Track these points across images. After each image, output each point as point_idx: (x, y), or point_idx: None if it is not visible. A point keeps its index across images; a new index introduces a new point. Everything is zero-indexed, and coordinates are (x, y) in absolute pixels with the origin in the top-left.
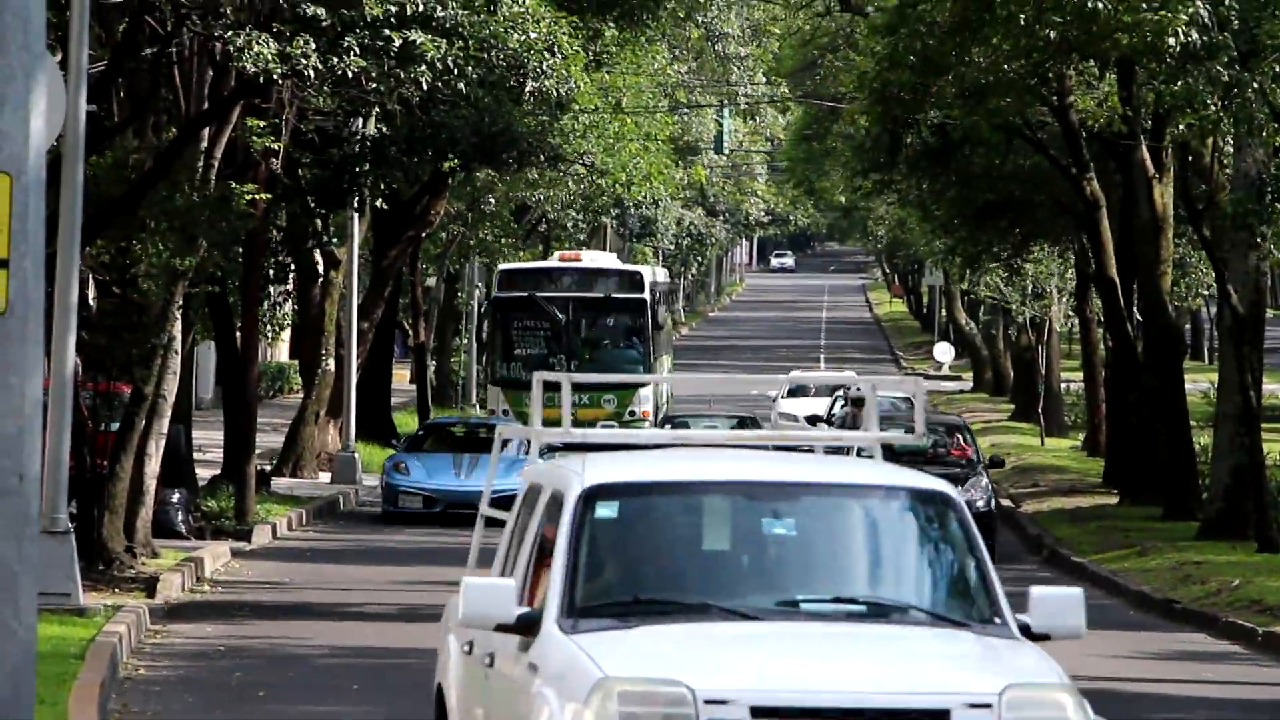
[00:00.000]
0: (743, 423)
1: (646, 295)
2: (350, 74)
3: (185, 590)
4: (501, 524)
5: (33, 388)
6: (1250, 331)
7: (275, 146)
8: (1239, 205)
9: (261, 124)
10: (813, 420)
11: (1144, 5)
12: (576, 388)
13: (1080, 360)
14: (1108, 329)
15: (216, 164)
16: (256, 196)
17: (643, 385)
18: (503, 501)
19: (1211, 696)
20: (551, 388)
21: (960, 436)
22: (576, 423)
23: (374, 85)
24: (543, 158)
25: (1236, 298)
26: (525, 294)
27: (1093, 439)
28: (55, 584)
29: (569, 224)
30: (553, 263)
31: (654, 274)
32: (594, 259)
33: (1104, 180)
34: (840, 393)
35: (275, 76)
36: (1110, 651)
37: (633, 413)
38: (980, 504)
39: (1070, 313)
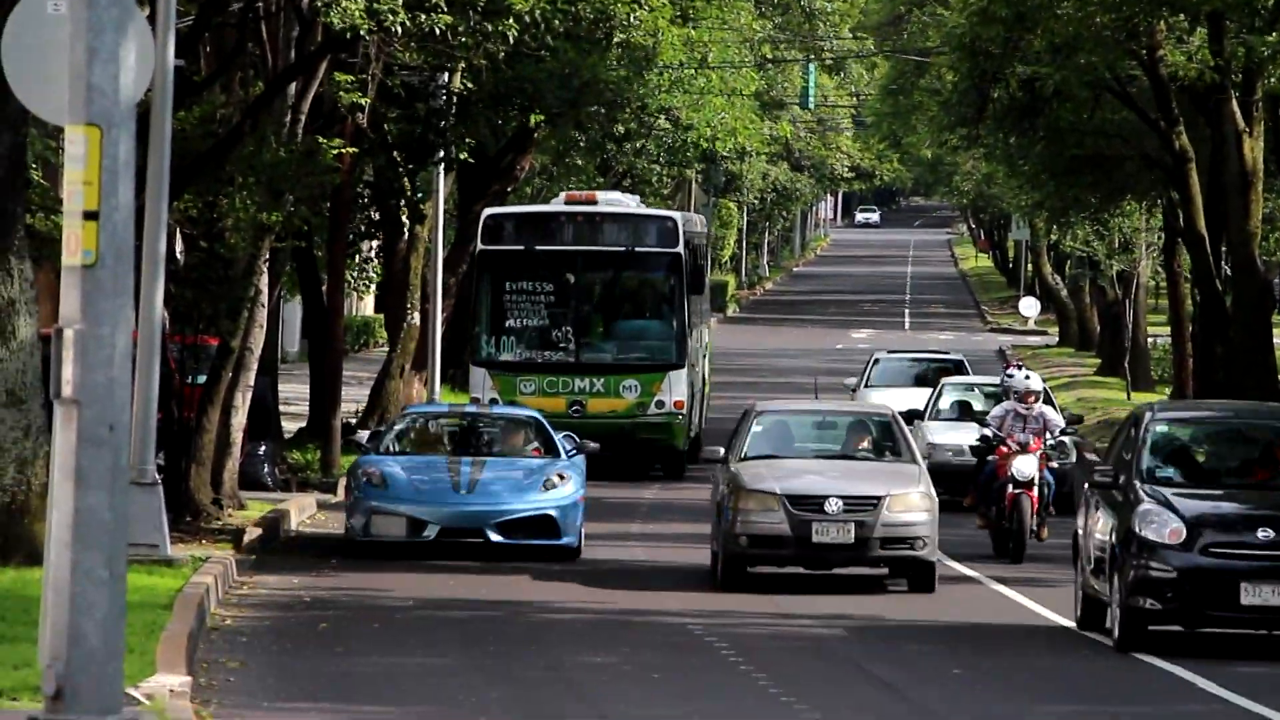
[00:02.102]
0: (866, 428)
1: (681, 248)
2: (437, 31)
3: (271, 542)
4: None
5: (122, 339)
6: None
7: (361, 101)
8: None
9: (348, 79)
10: (910, 418)
11: None
12: (587, 371)
13: (1168, 315)
14: (1195, 283)
15: (303, 119)
16: (343, 151)
17: (674, 368)
18: (521, 525)
19: None
20: (552, 370)
21: None
22: (582, 415)
23: (461, 40)
24: (628, 112)
25: None
26: (520, 248)
27: (1179, 393)
28: (144, 535)
29: (653, 178)
30: (557, 206)
31: (689, 221)
32: (612, 201)
33: (1193, 135)
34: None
35: (362, 32)
36: None
37: (661, 404)
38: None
39: (1158, 267)
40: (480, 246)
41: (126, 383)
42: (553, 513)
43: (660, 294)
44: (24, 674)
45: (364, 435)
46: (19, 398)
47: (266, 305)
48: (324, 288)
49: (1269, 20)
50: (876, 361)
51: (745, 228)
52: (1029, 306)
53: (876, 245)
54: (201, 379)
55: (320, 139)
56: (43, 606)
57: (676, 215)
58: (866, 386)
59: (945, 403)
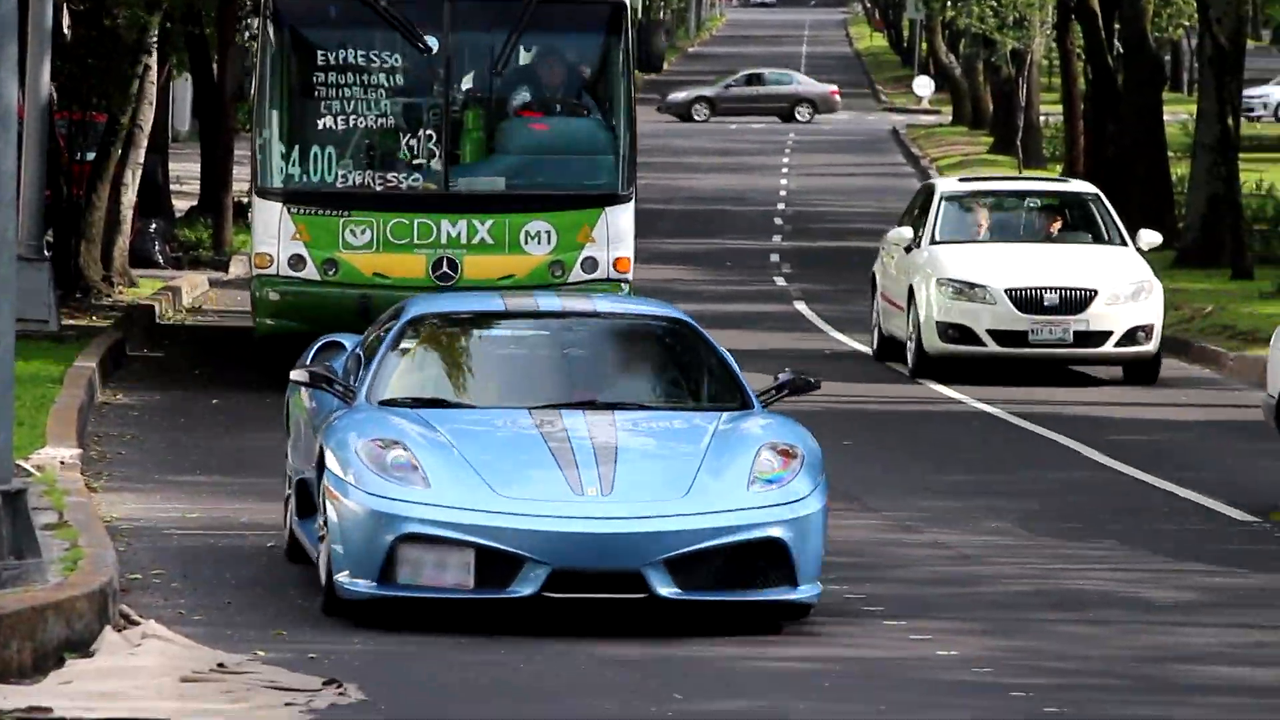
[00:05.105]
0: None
1: None
2: None
3: (165, 317)
4: None
5: (6, 111)
6: (1231, 62)
7: None
8: None
9: None
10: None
11: None
12: (463, 206)
13: (1060, 92)
14: (1088, 60)
15: None
16: None
17: (614, 201)
18: (717, 561)
19: (1175, 419)
20: (401, 205)
21: None
22: (454, 284)
23: None
24: None
25: (1218, 28)
26: None
27: (1071, 170)
28: (32, 311)
29: None
30: None
31: None
32: None
33: None
34: None
35: None
36: (1082, 377)
37: (592, 263)
38: None
39: (1051, 45)
40: None
41: (12, 156)
42: (780, 534)
43: (589, 72)
44: None
45: (309, 354)
46: None
47: (156, 82)
48: (214, 65)
49: None
50: (942, 200)
51: (639, 8)
52: (923, 85)
53: (772, 25)
54: (91, 156)
55: None
56: None
57: None
58: (935, 243)
59: None
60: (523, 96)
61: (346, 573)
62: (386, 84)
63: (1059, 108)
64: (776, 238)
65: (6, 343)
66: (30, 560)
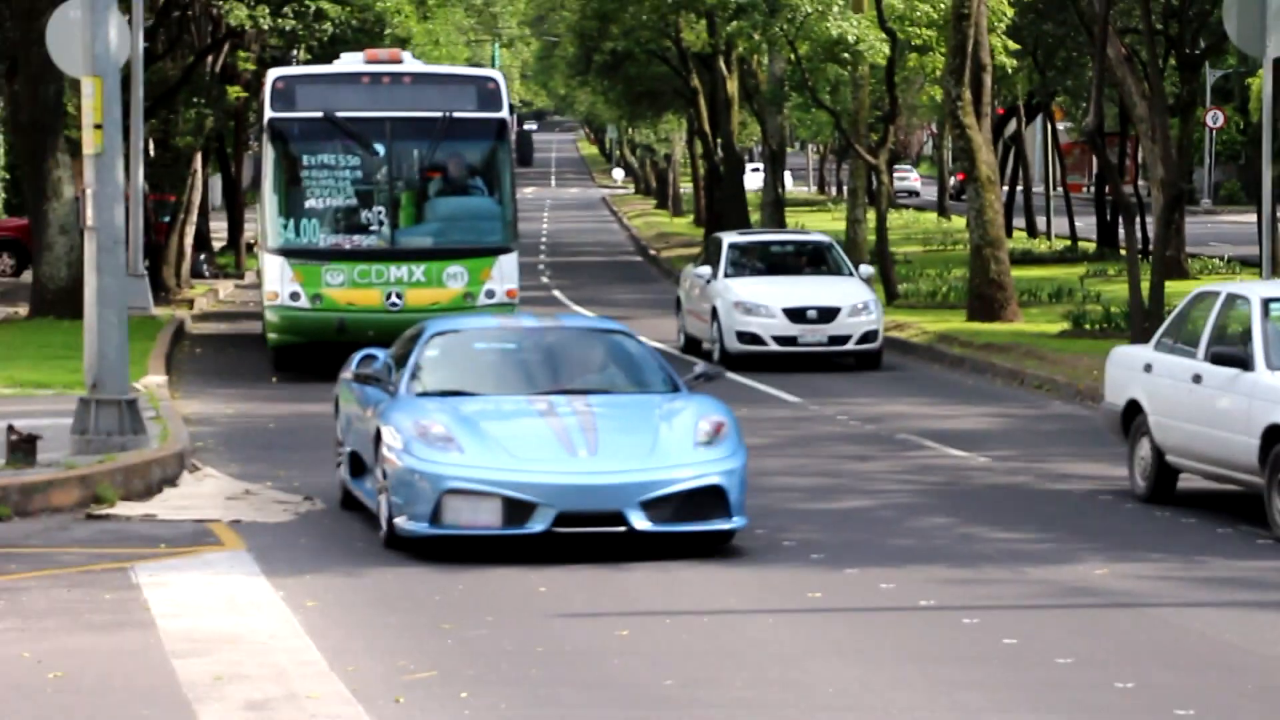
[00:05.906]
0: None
1: (505, 112)
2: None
3: (210, 306)
4: None
5: (117, 194)
6: (779, 158)
7: (250, 66)
8: (771, 95)
9: (242, 53)
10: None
11: None
12: (404, 257)
13: (690, 174)
14: (704, 158)
15: (217, 73)
16: (239, 97)
17: (505, 252)
18: (678, 503)
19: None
20: (362, 257)
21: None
22: (400, 309)
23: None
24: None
25: (771, 139)
26: (318, 114)
27: (698, 217)
28: (139, 302)
29: None
30: (356, 65)
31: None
32: (417, 63)
33: (702, 77)
34: None
35: (245, 26)
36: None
37: (491, 294)
38: None
39: (685, 149)
40: (270, 114)
41: (122, 217)
42: (721, 481)
43: (484, 166)
44: (77, 375)
45: (353, 361)
46: (65, 229)
47: (201, 177)
48: (232, 168)
49: (734, 16)
50: (729, 247)
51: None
52: (618, 173)
53: (534, 143)
54: (166, 219)
55: (226, 86)
56: (86, 339)
57: (498, 75)
58: (728, 276)
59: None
60: (441, 182)
61: (404, 517)
62: (350, 176)
63: (690, 183)
64: (542, 255)
65: (124, 319)
66: (141, 436)
